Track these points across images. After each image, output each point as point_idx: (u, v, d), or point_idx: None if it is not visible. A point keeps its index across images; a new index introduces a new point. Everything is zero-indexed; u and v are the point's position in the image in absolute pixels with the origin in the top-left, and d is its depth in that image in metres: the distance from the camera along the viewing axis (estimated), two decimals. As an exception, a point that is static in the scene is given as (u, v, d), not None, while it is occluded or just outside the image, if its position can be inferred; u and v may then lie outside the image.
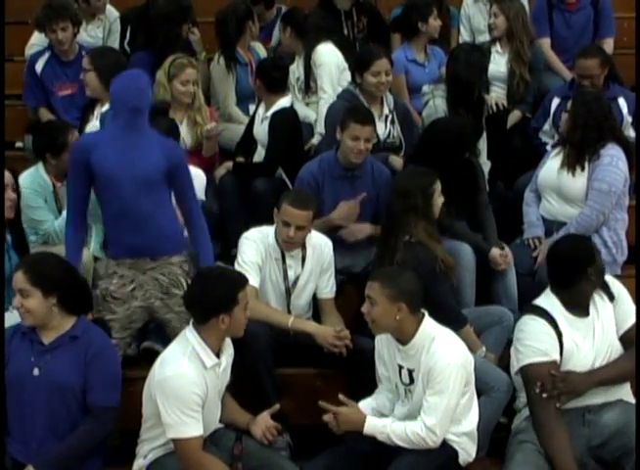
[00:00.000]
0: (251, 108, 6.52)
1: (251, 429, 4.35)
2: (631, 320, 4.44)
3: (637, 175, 5.68)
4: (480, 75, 5.93)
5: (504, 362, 4.73)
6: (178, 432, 4.05)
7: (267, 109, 6.00)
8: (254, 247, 4.87)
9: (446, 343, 4.23)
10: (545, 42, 6.96)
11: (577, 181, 5.39)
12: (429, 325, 4.28)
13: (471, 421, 4.31)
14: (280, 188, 5.57)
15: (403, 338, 4.28)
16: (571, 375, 4.34)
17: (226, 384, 4.32)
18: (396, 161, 5.72)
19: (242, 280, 4.23)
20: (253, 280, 4.79)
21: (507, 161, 6.19)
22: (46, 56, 6.58)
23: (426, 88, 6.12)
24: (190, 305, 4.21)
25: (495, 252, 5.25)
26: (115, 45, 7.07)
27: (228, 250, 5.58)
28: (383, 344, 4.41)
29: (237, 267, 4.81)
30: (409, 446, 4.18)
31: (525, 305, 4.65)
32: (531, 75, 6.65)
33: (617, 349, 4.43)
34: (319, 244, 4.98)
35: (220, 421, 4.35)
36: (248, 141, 6.18)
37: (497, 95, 6.54)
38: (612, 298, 4.45)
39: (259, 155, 6.06)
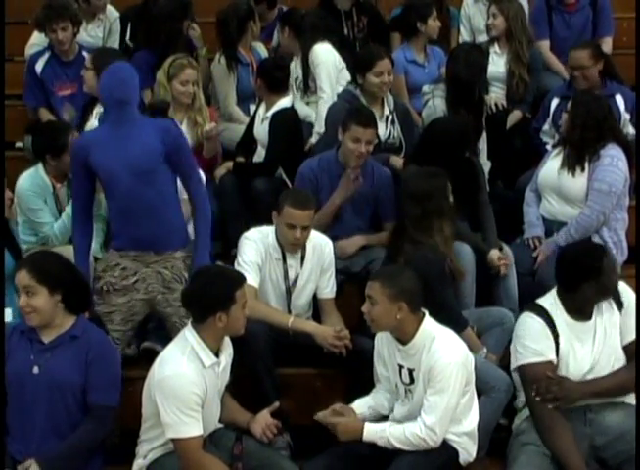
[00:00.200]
0: (252, 108, 6.52)
1: (250, 427, 4.35)
2: (634, 335, 4.41)
3: (637, 175, 5.67)
4: (479, 75, 5.93)
5: (505, 363, 4.73)
6: (177, 432, 4.05)
7: (268, 109, 6.00)
8: (255, 247, 4.87)
9: (447, 342, 4.23)
10: (544, 44, 6.96)
11: (577, 181, 5.39)
12: (429, 325, 4.28)
13: (471, 421, 4.31)
14: (280, 188, 5.56)
15: (403, 337, 4.28)
16: (567, 382, 4.34)
17: (226, 383, 4.32)
18: (397, 161, 5.71)
19: (239, 279, 4.23)
20: (253, 280, 4.79)
21: (507, 161, 6.19)
22: (46, 56, 6.58)
23: (426, 88, 6.12)
24: (188, 304, 4.21)
25: (494, 253, 5.25)
26: (116, 45, 7.08)
27: (228, 250, 5.58)
28: (382, 343, 4.41)
29: (237, 267, 4.81)
30: (410, 448, 4.18)
31: (529, 302, 4.65)
32: (530, 75, 6.66)
33: (619, 357, 4.42)
34: (319, 244, 4.98)
35: (220, 421, 4.35)
36: (248, 141, 6.19)
37: (496, 95, 6.54)
38: (620, 306, 4.43)
39: (259, 155, 6.06)
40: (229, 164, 6.09)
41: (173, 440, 4.08)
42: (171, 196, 4.69)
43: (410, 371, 4.28)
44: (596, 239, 5.37)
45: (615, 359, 4.41)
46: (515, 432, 4.47)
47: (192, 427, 4.05)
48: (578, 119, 5.37)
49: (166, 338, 4.57)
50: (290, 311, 4.95)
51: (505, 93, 6.64)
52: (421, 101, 6.22)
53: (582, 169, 5.39)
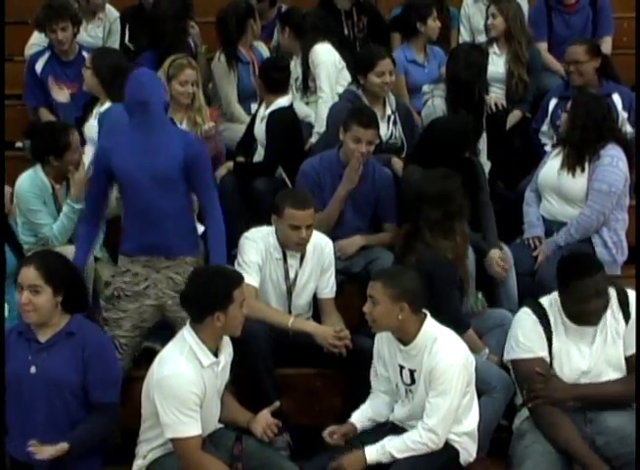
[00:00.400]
0: (253, 107, 6.52)
1: (251, 427, 4.35)
2: (633, 349, 4.40)
3: (637, 175, 5.67)
4: (479, 75, 5.92)
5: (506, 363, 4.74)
6: (176, 431, 4.04)
7: (267, 108, 6.01)
8: (255, 247, 4.87)
9: (448, 343, 4.23)
10: (543, 46, 6.96)
11: (577, 182, 5.39)
12: (430, 325, 4.28)
13: (471, 421, 4.31)
14: (280, 188, 5.56)
15: (405, 338, 4.28)
16: (554, 381, 4.35)
17: (225, 383, 4.32)
18: (398, 164, 5.71)
19: (237, 278, 4.22)
20: (254, 280, 4.79)
21: (507, 161, 6.19)
22: (46, 56, 6.58)
23: (426, 88, 6.12)
24: (185, 303, 4.20)
25: (494, 253, 5.25)
26: (116, 45, 7.08)
27: (228, 250, 5.57)
28: (383, 343, 4.41)
29: (237, 267, 4.81)
30: (414, 454, 4.18)
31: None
32: (530, 75, 6.66)
33: (618, 367, 4.40)
34: (319, 244, 4.98)
35: (220, 420, 4.35)
36: (248, 141, 6.19)
37: (496, 95, 6.53)
38: (627, 317, 4.40)
39: (260, 154, 6.06)
40: (229, 165, 6.10)
41: (172, 440, 4.08)
42: (186, 202, 4.71)
43: (411, 372, 4.28)
44: (596, 239, 5.37)
45: (613, 368, 4.40)
46: (516, 433, 4.46)
47: (191, 427, 4.05)
48: (578, 120, 5.36)
49: (167, 338, 4.56)
50: (290, 311, 4.95)
51: (505, 93, 6.63)
52: (421, 101, 6.22)
53: (582, 170, 5.38)
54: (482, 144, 5.94)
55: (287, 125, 5.97)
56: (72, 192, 5.26)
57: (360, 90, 5.83)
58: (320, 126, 6.16)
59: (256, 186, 5.76)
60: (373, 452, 4.22)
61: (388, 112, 5.84)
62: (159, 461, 4.20)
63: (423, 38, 6.78)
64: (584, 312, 4.36)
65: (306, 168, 5.40)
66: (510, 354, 4.48)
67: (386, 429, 4.41)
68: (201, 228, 4.95)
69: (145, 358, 4.80)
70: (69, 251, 5.04)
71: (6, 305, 4.37)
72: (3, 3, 6.27)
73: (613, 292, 4.45)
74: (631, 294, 4.49)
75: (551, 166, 5.51)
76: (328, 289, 5.03)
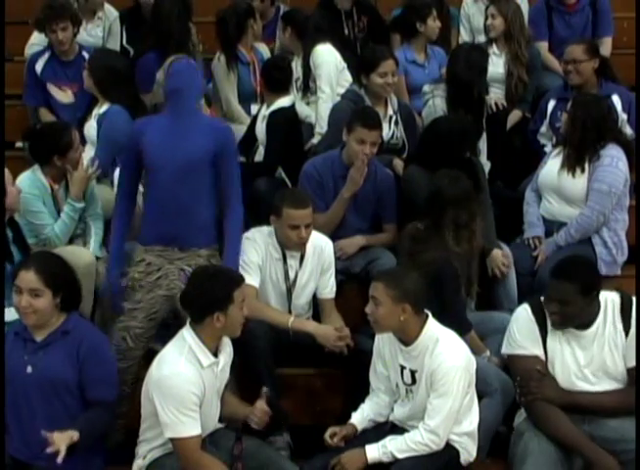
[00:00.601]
0: (253, 108, 6.52)
1: (248, 419, 4.33)
2: (632, 362, 4.38)
3: (637, 175, 5.67)
4: (480, 75, 5.92)
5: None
6: (176, 431, 4.04)
7: (269, 108, 6.02)
8: (255, 247, 4.87)
9: (450, 345, 4.23)
10: (543, 45, 6.96)
11: (578, 182, 5.39)
12: (432, 326, 4.27)
13: (471, 421, 4.31)
14: (280, 188, 5.56)
15: (407, 338, 4.27)
16: (548, 381, 4.35)
17: (225, 383, 4.31)
18: (399, 165, 5.70)
19: (238, 279, 4.22)
20: (254, 280, 4.79)
21: (507, 161, 6.19)
22: (46, 56, 6.56)
23: (426, 88, 6.12)
24: (185, 304, 4.20)
25: (496, 252, 5.25)
26: (117, 45, 7.08)
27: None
28: (384, 343, 4.40)
29: (237, 267, 4.81)
30: (414, 454, 4.18)
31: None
32: (530, 75, 6.66)
33: (613, 376, 4.38)
34: (320, 244, 4.98)
35: (221, 418, 4.34)
36: (250, 140, 6.19)
37: (496, 96, 6.53)
38: (627, 329, 4.37)
39: (261, 154, 6.06)
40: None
41: (172, 440, 4.08)
42: (207, 194, 4.68)
43: (412, 372, 4.28)
44: (596, 239, 5.38)
45: (609, 377, 4.38)
46: (516, 431, 4.45)
47: (190, 427, 4.04)
48: (578, 120, 5.36)
49: (167, 338, 4.56)
50: (290, 311, 4.95)
51: (504, 93, 6.63)
52: (421, 101, 6.22)
53: (582, 170, 5.38)
54: (482, 144, 5.94)
55: (287, 125, 5.97)
56: (72, 191, 5.26)
57: (362, 90, 5.83)
58: (321, 127, 6.16)
59: (257, 186, 5.75)
60: (374, 451, 4.22)
61: (390, 112, 5.84)
62: (159, 461, 4.20)
63: (423, 39, 6.77)
64: (583, 317, 4.36)
65: (309, 169, 5.39)
66: (505, 349, 4.51)
67: (386, 429, 4.41)
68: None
69: (145, 358, 4.80)
70: (69, 250, 5.04)
71: (11, 309, 4.36)
72: (3, 3, 6.27)
73: (616, 298, 4.42)
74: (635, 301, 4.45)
75: (551, 167, 5.51)
76: (328, 289, 5.03)
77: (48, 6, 6.43)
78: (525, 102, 6.66)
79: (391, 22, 7.28)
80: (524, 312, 4.48)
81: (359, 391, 4.58)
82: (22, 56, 7.01)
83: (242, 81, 6.69)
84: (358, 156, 5.21)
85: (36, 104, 6.63)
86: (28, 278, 4.16)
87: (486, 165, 5.94)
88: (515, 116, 6.57)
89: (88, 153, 5.87)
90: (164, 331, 4.78)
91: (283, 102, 6.00)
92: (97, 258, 5.18)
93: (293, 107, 6.09)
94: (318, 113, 6.29)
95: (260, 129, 6.05)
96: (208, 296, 4.08)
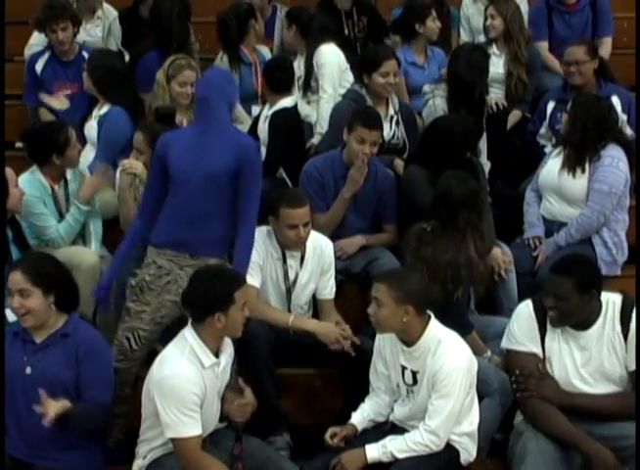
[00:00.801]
0: (254, 109, 6.52)
1: (230, 415, 4.28)
2: (633, 366, 4.37)
3: (637, 175, 5.67)
4: (481, 76, 5.91)
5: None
6: (176, 431, 4.04)
7: (271, 108, 6.02)
8: (255, 247, 4.85)
9: (452, 346, 4.23)
10: (543, 45, 6.97)
11: (578, 182, 5.39)
12: (435, 327, 4.27)
13: (472, 421, 4.31)
14: (281, 188, 5.56)
15: (409, 339, 4.27)
16: (548, 381, 4.35)
17: (226, 383, 4.31)
18: (400, 165, 5.70)
19: (239, 279, 4.21)
20: (255, 280, 4.79)
21: (507, 161, 6.19)
22: (46, 56, 6.57)
23: (426, 88, 6.13)
24: (187, 304, 4.20)
25: (497, 251, 5.25)
26: (115, 46, 7.08)
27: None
28: (385, 343, 4.40)
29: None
30: (414, 454, 4.18)
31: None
32: (529, 75, 6.66)
33: (610, 378, 4.37)
34: (320, 244, 4.98)
35: (221, 419, 4.32)
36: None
37: (496, 96, 6.53)
38: (625, 333, 4.35)
39: (263, 154, 6.05)
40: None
41: (172, 439, 4.07)
42: (225, 209, 4.61)
43: (414, 373, 4.28)
44: (596, 239, 5.38)
45: (607, 379, 4.37)
46: (515, 430, 4.45)
47: (191, 427, 4.04)
48: (579, 120, 5.37)
49: (167, 338, 4.56)
50: (290, 311, 4.95)
51: (504, 94, 6.63)
52: (421, 102, 6.22)
53: (583, 170, 5.39)
54: (482, 144, 5.94)
55: (289, 126, 5.97)
56: (82, 193, 5.26)
57: (364, 90, 5.83)
58: (322, 127, 6.16)
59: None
60: (374, 451, 4.22)
61: (391, 112, 5.84)
62: (159, 461, 4.20)
63: (422, 40, 6.76)
64: (582, 316, 4.35)
65: (309, 169, 5.39)
66: (504, 343, 4.51)
67: (386, 429, 4.41)
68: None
69: (145, 358, 4.80)
70: (74, 251, 5.05)
71: (7, 311, 4.36)
72: (3, 3, 6.27)
73: (618, 301, 4.40)
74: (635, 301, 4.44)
75: (551, 167, 5.51)
76: (328, 290, 5.02)
77: (48, 6, 6.44)
78: (524, 102, 6.66)
79: (391, 23, 7.27)
80: (525, 309, 4.48)
81: (359, 391, 4.58)
82: (22, 56, 7.01)
83: (243, 82, 6.68)
84: (358, 156, 5.21)
85: (36, 104, 6.62)
86: (16, 279, 4.16)
87: (486, 165, 5.94)
88: (515, 116, 6.58)
89: (88, 153, 5.88)
90: (165, 331, 4.77)
91: (285, 102, 6.00)
92: (101, 257, 5.18)
93: (295, 107, 6.10)
94: (319, 113, 6.29)
95: (263, 129, 6.05)
96: (209, 296, 4.08)
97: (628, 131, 6.03)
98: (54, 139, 5.22)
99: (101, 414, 4.24)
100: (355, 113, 5.39)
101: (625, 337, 4.35)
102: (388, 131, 5.75)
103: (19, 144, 6.66)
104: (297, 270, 4.93)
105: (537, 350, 4.40)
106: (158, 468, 4.19)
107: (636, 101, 6.17)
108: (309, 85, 6.47)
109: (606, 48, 6.95)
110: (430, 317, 4.29)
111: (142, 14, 7.09)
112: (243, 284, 4.20)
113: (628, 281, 5.23)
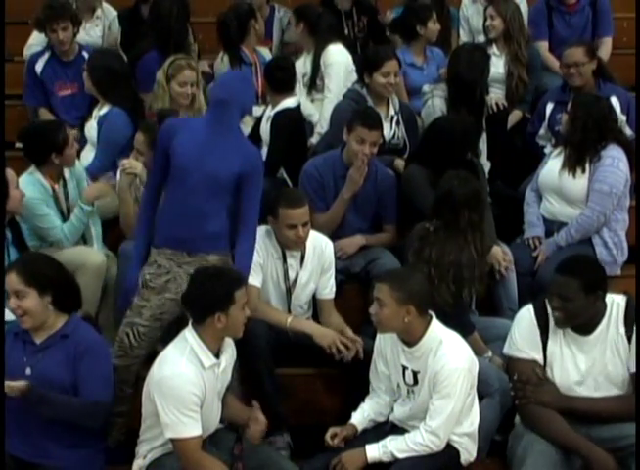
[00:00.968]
0: (255, 109, 6.50)
1: (245, 432, 4.31)
2: (634, 369, 4.34)
3: (637, 176, 5.67)
4: (481, 76, 5.92)
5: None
6: (176, 432, 4.04)
7: (273, 108, 6.02)
8: (256, 246, 4.86)
9: (454, 347, 4.23)
10: (543, 45, 6.97)
11: (578, 182, 5.39)
12: (436, 328, 4.27)
13: (472, 421, 4.31)
14: (282, 188, 5.56)
15: (410, 339, 4.27)
16: (547, 386, 4.33)
17: (226, 385, 4.31)
18: (401, 165, 5.71)
19: (239, 279, 4.21)
20: (256, 280, 4.79)
21: (507, 161, 6.19)
22: (46, 56, 6.57)
23: (426, 88, 6.13)
24: (187, 304, 4.20)
25: (497, 250, 5.25)
26: (115, 45, 7.08)
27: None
28: (386, 342, 4.40)
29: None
30: (415, 454, 4.18)
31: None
32: (530, 75, 6.66)
33: (614, 382, 4.35)
34: (320, 244, 4.98)
35: (222, 419, 4.33)
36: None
37: (497, 96, 6.54)
38: (629, 335, 4.32)
39: (264, 154, 6.05)
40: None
41: (172, 440, 4.07)
42: (223, 210, 4.60)
43: (414, 373, 4.28)
44: (596, 239, 5.38)
45: (610, 382, 4.35)
46: (516, 431, 4.45)
47: (191, 427, 4.04)
48: (579, 120, 5.36)
49: (168, 338, 4.56)
50: (289, 311, 4.95)
51: (504, 94, 6.63)
52: (420, 102, 6.21)
53: (583, 170, 5.38)
54: (483, 144, 5.95)
55: (291, 126, 5.97)
56: (87, 194, 5.26)
57: (364, 90, 5.83)
58: (323, 127, 6.16)
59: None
60: (374, 451, 4.22)
61: (392, 112, 5.84)
62: (159, 461, 4.19)
63: (423, 41, 6.76)
64: (587, 319, 4.34)
65: (309, 169, 5.39)
66: (506, 350, 4.48)
67: (386, 429, 4.41)
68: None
69: (145, 358, 4.80)
70: (78, 251, 5.04)
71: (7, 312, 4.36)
72: (3, 3, 6.27)
73: (622, 302, 4.37)
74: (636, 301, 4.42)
75: (551, 167, 5.51)
76: (327, 289, 5.02)
77: (48, 6, 6.44)
78: (525, 102, 6.67)
79: (391, 24, 7.27)
80: (527, 314, 4.44)
81: (359, 391, 4.57)
82: (22, 56, 7.01)
83: (244, 82, 6.68)
84: (358, 156, 5.21)
85: (36, 104, 6.63)
86: (10, 280, 4.16)
87: (486, 165, 5.94)
88: (515, 116, 6.58)
89: (88, 153, 5.89)
90: (166, 332, 4.77)
91: (288, 102, 6.00)
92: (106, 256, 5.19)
93: (298, 107, 6.09)
94: (322, 112, 6.29)
95: (265, 130, 6.06)
96: (209, 296, 4.08)
97: (628, 131, 6.03)
98: (52, 138, 5.22)
99: (98, 412, 4.23)
100: (355, 113, 5.39)
101: (629, 339, 4.32)
102: (388, 131, 5.75)
103: (18, 144, 6.67)
104: (297, 270, 4.93)
105: (538, 356, 4.36)
106: (158, 468, 4.19)
107: (636, 101, 6.17)
108: (315, 83, 6.47)
109: (606, 48, 6.96)
110: (431, 318, 4.28)
111: (143, 14, 7.09)
112: (243, 284, 4.19)
113: (628, 281, 5.24)
